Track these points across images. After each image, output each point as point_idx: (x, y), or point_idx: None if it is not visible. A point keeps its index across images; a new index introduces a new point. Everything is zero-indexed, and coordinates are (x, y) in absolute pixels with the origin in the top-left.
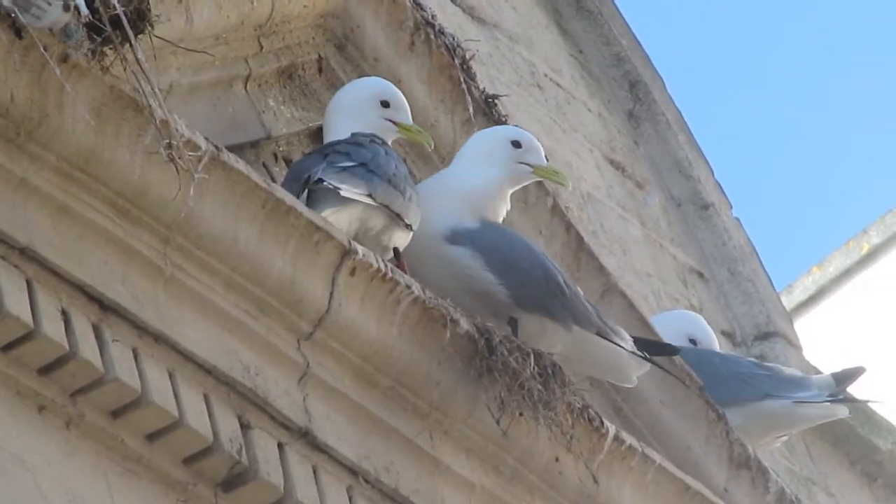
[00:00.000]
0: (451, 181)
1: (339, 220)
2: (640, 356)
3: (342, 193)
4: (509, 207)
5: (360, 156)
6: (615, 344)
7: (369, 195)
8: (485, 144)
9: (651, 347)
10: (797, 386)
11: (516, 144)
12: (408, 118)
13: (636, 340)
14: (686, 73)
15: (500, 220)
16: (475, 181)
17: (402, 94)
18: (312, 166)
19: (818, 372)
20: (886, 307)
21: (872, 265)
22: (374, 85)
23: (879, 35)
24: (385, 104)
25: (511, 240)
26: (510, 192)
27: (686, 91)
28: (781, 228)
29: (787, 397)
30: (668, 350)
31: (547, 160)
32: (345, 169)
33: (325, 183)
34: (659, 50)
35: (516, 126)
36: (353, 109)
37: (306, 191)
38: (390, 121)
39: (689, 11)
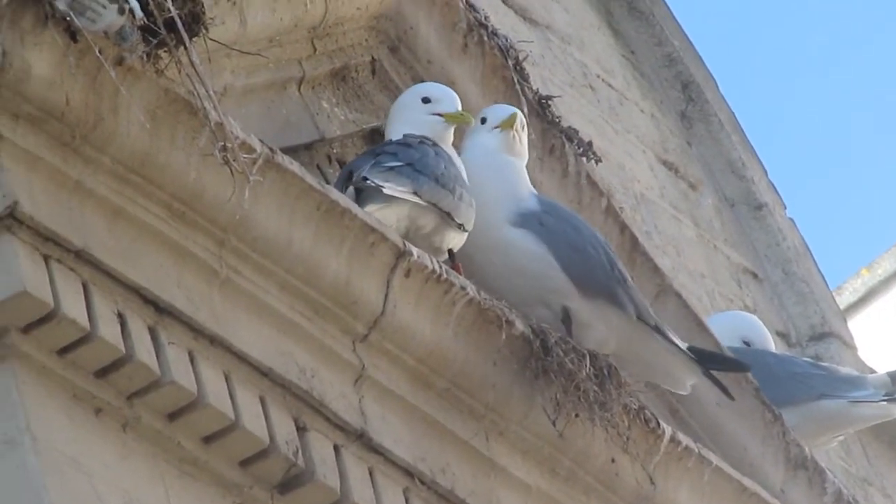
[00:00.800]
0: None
1: (385, 217)
2: (691, 358)
3: (385, 191)
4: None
5: (407, 156)
6: (670, 341)
7: (414, 193)
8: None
9: (716, 361)
10: (853, 385)
11: (483, 120)
12: (452, 106)
13: (701, 353)
14: (739, 74)
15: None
16: (480, 155)
17: (442, 87)
18: (361, 166)
19: (874, 372)
20: None
21: None
22: (415, 87)
23: None
24: (426, 100)
25: (575, 223)
26: (510, 157)
27: (739, 91)
28: (830, 230)
29: (843, 397)
30: (736, 366)
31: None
32: (391, 168)
33: (368, 181)
34: (711, 50)
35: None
36: (403, 115)
37: (353, 189)
38: (436, 114)
39: (741, 11)
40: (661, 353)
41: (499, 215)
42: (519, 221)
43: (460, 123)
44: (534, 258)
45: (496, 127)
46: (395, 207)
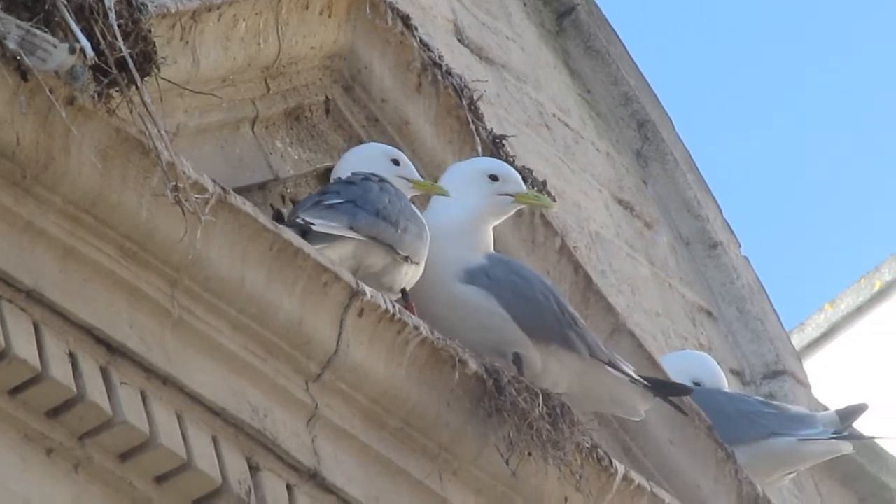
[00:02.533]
0: (435, 218)
1: (329, 255)
2: (647, 387)
3: (314, 228)
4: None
5: (349, 193)
6: (626, 374)
7: (351, 228)
8: (460, 178)
9: (663, 387)
10: (802, 423)
11: (493, 178)
12: (416, 174)
13: (648, 380)
14: (694, 112)
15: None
16: (460, 214)
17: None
18: (305, 203)
19: (827, 409)
20: None
21: (884, 302)
22: (383, 148)
23: (886, 76)
24: (395, 162)
25: (523, 272)
26: (493, 223)
27: (694, 130)
28: (793, 266)
29: (793, 435)
30: (680, 390)
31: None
32: (331, 206)
33: (299, 219)
34: (667, 89)
35: (490, 158)
36: (367, 165)
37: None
38: (403, 178)
39: (696, 51)
40: (615, 385)
41: (449, 272)
42: (467, 277)
43: (429, 193)
44: (484, 312)
45: (513, 199)
46: (337, 247)
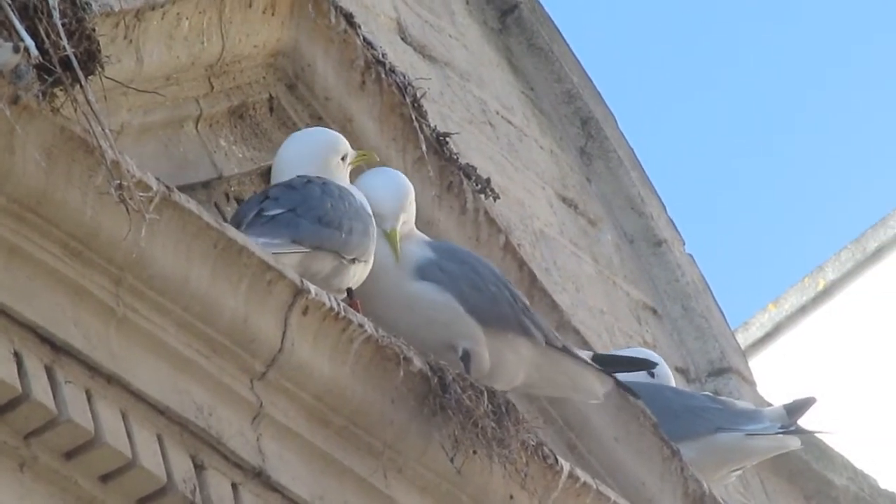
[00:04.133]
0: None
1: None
2: (599, 369)
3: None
4: None
5: (289, 201)
6: (579, 358)
7: (293, 241)
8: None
9: (624, 363)
10: (749, 418)
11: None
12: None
13: (609, 357)
14: (638, 110)
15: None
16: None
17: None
18: (248, 213)
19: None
20: (842, 344)
21: (828, 302)
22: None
23: (829, 74)
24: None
25: (471, 261)
26: None
27: (638, 128)
28: (737, 266)
29: (740, 430)
30: (642, 364)
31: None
32: (272, 218)
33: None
34: (610, 87)
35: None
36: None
37: None
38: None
39: (640, 49)
40: (572, 370)
41: (400, 271)
42: (420, 273)
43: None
44: (441, 308)
45: (385, 233)
46: (280, 258)
